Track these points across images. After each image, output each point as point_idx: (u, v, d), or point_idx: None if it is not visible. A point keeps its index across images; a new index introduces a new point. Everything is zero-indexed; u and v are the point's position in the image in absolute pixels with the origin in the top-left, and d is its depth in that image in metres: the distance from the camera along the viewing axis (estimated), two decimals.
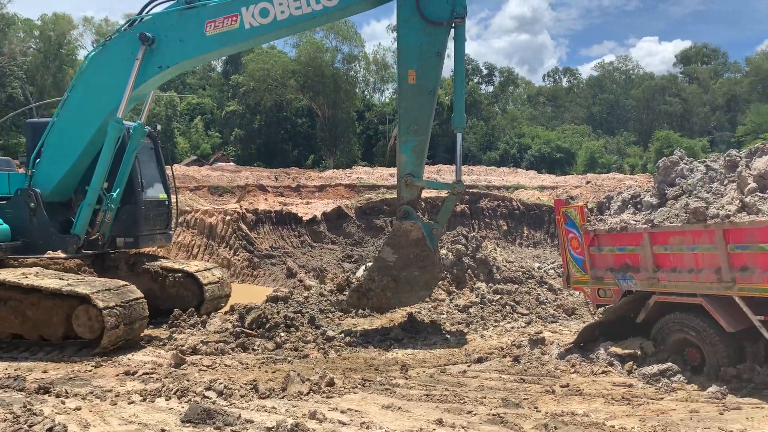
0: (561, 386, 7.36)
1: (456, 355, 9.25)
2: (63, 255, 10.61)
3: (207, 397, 7.08)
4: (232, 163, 48.53)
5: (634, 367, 7.75)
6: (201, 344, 9.73)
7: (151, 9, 10.87)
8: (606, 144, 66.51)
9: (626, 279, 8.17)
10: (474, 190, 28.57)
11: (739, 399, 6.62)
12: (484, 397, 7.01)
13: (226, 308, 12.28)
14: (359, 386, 7.52)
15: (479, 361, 8.83)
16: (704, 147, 58.88)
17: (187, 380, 7.74)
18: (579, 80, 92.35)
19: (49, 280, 9.50)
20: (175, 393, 7.20)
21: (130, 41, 10.62)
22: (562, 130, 68.37)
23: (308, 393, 7.20)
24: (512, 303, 12.38)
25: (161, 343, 9.98)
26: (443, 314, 11.78)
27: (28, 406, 6.63)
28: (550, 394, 7.11)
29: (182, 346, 9.60)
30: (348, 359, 9.10)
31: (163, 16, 10.67)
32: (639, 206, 8.46)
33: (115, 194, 11.05)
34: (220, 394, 7.19)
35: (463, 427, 6.04)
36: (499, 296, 12.62)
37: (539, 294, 13.18)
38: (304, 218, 22.71)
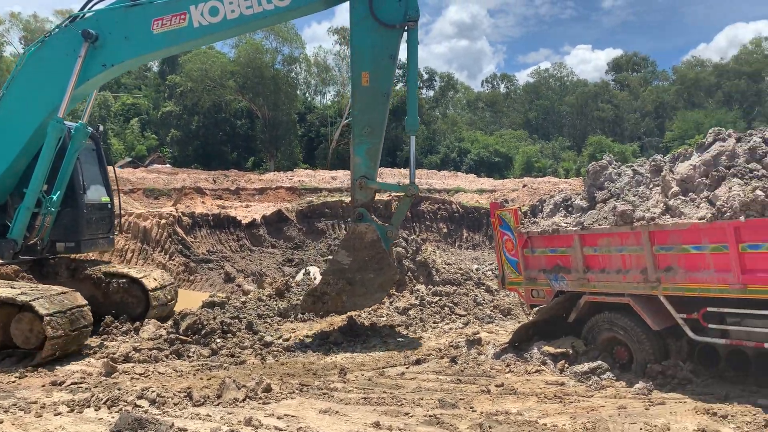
0: (496, 386, 7.50)
1: (395, 357, 9.30)
2: None
3: (138, 406, 6.88)
4: (168, 165, 47.30)
5: (566, 365, 7.97)
6: (133, 352, 9.46)
7: (93, 5, 10.48)
8: (542, 149, 68.17)
9: (558, 280, 8.40)
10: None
11: (664, 394, 6.89)
12: (422, 399, 7.07)
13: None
14: (297, 391, 7.46)
15: (417, 362, 8.90)
16: (634, 152, 61.13)
17: (118, 389, 7.49)
18: (516, 86, 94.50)
19: None
20: (104, 403, 6.96)
21: (72, 37, 10.23)
22: (500, 135, 69.71)
23: (244, 399, 7.09)
24: (450, 304, 12.54)
25: (91, 352, 9.62)
26: (383, 317, 11.83)
27: None
28: (486, 394, 7.23)
29: (114, 354, 9.31)
30: (286, 364, 9.01)
31: (107, 12, 10.33)
32: (570, 209, 8.71)
33: (55, 197, 10.60)
34: (152, 402, 7.00)
35: (399, 429, 6.07)
36: (438, 298, 12.77)
37: (477, 295, 13.40)
38: (243, 222, 22.33)
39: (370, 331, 10.90)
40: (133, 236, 20.00)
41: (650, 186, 7.95)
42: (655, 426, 5.84)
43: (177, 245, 19.98)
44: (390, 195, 24.45)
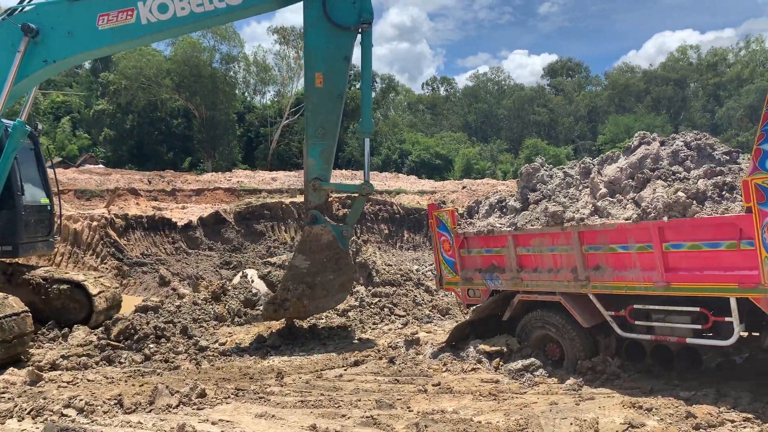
0: (433, 385, 7.57)
1: (333, 359, 9.27)
2: None
3: (65, 416, 6.63)
4: (101, 166, 45.65)
5: (501, 363, 8.13)
6: (61, 359, 9.12)
7: None
8: (481, 151, 69.37)
9: (493, 279, 8.56)
10: (356, 195, 28.78)
11: (593, 389, 7.10)
12: (359, 400, 7.07)
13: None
14: (232, 396, 7.33)
15: (356, 364, 8.90)
16: (569, 155, 62.99)
17: (44, 398, 7.18)
18: (456, 89, 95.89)
19: None
20: (28, 413, 6.68)
21: (11, 32, 9.74)
22: (441, 137, 70.56)
23: (178, 405, 6.93)
24: (390, 305, 12.60)
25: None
26: (322, 319, 11.77)
27: None
28: (423, 394, 7.29)
29: (40, 361, 8.94)
30: (222, 369, 8.86)
31: (49, 6, 9.88)
32: (504, 210, 8.90)
33: None
34: (80, 411, 6.75)
35: (336, 431, 6.06)
36: (377, 299, 12.80)
37: (416, 295, 13.51)
38: (178, 223, 21.84)
39: (308, 333, 10.84)
40: (63, 239, 19.25)
41: (580, 188, 8.21)
42: (585, 421, 6.01)
43: (109, 248, 19.37)
44: (331, 197, 24.35)
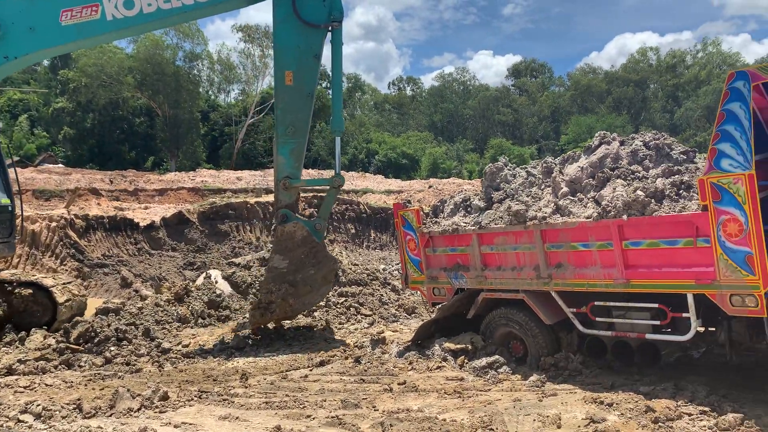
0: (398, 384, 7.58)
1: (298, 360, 9.22)
2: None
3: (22, 422, 6.45)
4: (60, 165, 44.61)
5: (466, 361, 8.19)
6: (18, 363, 8.89)
7: None
8: (447, 151, 69.78)
9: (458, 278, 8.62)
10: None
11: (556, 386, 7.20)
12: (324, 400, 7.05)
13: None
14: (195, 398, 7.23)
15: (321, 364, 8.87)
16: (532, 154, 63.82)
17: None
18: (422, 89, 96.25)
19: None
20: None
21: None
22: (407, 136, 70.77)
23: (139, 409, 6.81)
24: (356, 305, 12.59)
25: None
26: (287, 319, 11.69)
27: None
28: (388, 393, 7.29)
29: None
30: (185, 371, 8.73)
31: (9, 0, 9.57)
32: (469, 209, 8.96)
33: None
34: (37, 416, 6.58)
35: None
36: (344, 299, 12.77)
37: (382, 295, 13.52)
38: (141, 224, 21.46)
39: (274, 334, 10.75)
40: (21, 240, 18.75)
41: (542, 187, 8.31)
42: (548, 417, 6.09)
43: (69, 249, 18.94)
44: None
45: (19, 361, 9.00)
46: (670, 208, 6.60)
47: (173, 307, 11.64)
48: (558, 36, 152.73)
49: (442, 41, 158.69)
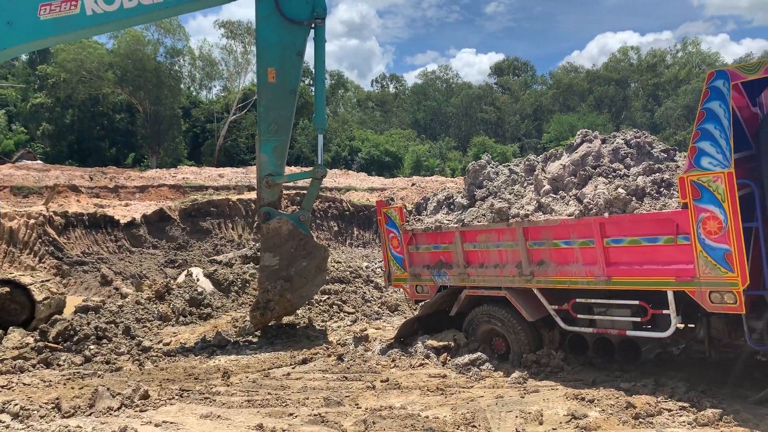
0: (381, 381, 7.58)
1: (281, 358, 9.18)
2: None
3: None
4: (39, 162, 44.01)
5: (448, 358, 8.20)
6: None
7: None
8: (430, 148, 69.89)
9: (441, 275, 8.63)
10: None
11: (538, 382, 7.24)
12: (307, 398, 7.02)
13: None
14: (176, 397, 7.17)
15: (304, 362, 8.84)
16: (515, 152, 64.11)
17: None
18: (405, 87, 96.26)
19: None
20: None
21: None
22: (390, 134, 70.72)
23: (119, 408, 6.74)
24: (339, 302, 12.58)
25: None
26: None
27: None
28: (371, 390, 7.29)
29: None
30: (166, 370, 8.65)
31: None
32: (452, 207, 8.97)
33: None
34: (15, 416, 6.48)
35: (283, 430, 5.99)
36: (326, 296, 12.75)
37: (365, 292, 13.53)
38: (121, 221, 21.23)
39: (256, 332, 10.69)
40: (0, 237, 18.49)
41: (525, 184, 8.34)
42: (530, 413, 6.12)
43: (48, 246, 18.69)
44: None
45: None
46: (651, 206, 6.65)
47: (154, 305, 11.53)
48: (540, 35, 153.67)
49: (425, 39, 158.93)
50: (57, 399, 6.98)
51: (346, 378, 7.89)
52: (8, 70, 69.37)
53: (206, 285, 12.66)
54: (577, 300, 7.35)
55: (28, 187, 28.26)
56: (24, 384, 7.95)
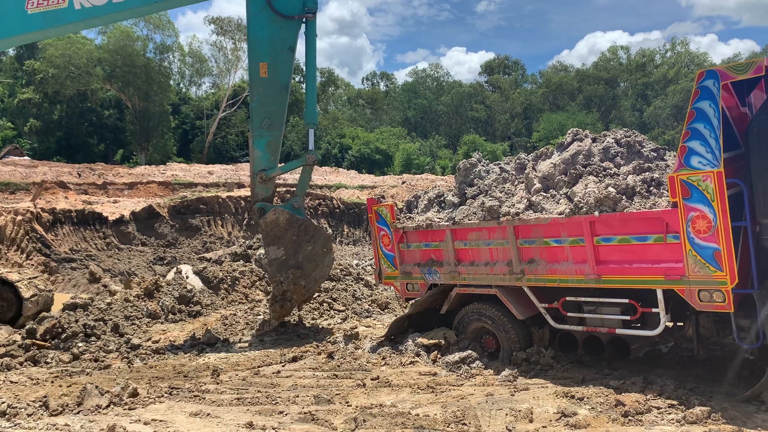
0: (372, 379, 7.57)
1: (271, 355, 9.16)
2: None
3: None
4: (26, 158, 43.62)
5: (439, 356, 8.21)
6: None
7: None
8: (420, 146, 69.89)
9: (431, 273, 8.64)
10: (294, 189, 28.53)
11: (528, 380, 7.26)
12: (297, 396, 7.01)
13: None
14: (166, 395, 7.14)
15: (294, 360, 8.82)
16: (505, 151, 64.28)
17: None
18: (395, 85, 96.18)
19: None
20: None
21: None
22: (380, 132, 70.64)
23: (108, 406, 6.70)
24: (329, 300, 12.56)
25: None
26: (259, 315, 11.61)
27: None
28: (361, 388, 7.28)
29: None
30: (155, 367, 8.61)
31: None
32: (443, 205, 8.97)
33: None
34: (2, 414, 6.43)
35: (273, 428, 5.97)
36: (316, 294, 12.71)
37: (356, 290, 13.52)
38: (110, 218, 21.10)
39: (246, 330, 10.66)
40: None
41: (515, 183, 8.36)
42: (520, 411, 6.13)
43: (35, 243, 18.53)
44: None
45: None
46: (640, 205, 6.68)
47: (143, 303, 11.46)
48: (530, 34, 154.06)
49: (416, 37, 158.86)
50: (45, 397, 6.93)
51: (337, 376, 7.88)
52: None
53: (195, 282, 12.60)
54: (567, 298, 7.38)
55: (15, 184, 28.01)
56: (11, 382, 7.88)
